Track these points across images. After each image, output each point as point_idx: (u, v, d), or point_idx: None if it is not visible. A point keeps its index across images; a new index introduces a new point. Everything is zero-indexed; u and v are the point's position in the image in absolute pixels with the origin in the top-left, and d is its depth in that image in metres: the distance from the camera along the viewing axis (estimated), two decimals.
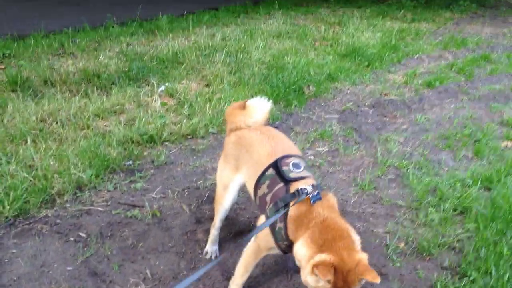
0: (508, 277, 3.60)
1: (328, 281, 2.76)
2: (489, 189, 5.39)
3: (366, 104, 8.13)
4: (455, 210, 4.91)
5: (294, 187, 3.21)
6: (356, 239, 3.02)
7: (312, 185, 3.19)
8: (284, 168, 3.33)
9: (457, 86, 9.33)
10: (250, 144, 3.68)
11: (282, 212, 3.10)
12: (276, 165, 3.38)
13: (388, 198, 5.19)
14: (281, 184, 3.28)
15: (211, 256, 4.15)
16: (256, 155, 3.57)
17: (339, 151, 6.29)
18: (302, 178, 3.28)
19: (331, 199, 3.24)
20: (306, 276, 2.90)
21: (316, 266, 2.77)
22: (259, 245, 3.42)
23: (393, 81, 9.42)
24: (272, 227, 3.24)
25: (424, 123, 7.51)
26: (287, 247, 3.23)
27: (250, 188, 3.60)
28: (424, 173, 5.80)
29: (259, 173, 3.45)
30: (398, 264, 4.10)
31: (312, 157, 6.09)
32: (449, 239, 4.39)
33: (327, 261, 2.78)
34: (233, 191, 3.88)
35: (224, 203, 3.94)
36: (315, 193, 3.11)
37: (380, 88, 8.89)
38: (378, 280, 2.68)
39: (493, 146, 6.63)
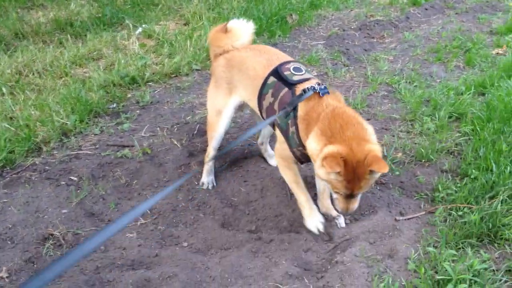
0: (510, 171, 3.53)
1: (338, 173, 2.71)
2: (483, 94, 5.29)
3: (352, 27, 7.90)
4: (450, 117, 4.82)
5: (299, 89, 3.15)
6: (368, 128, 2.96)
7: (318, 83, 3.14)
8: (286, 73, 3.25)
9: (443, 2, 9.11)
10: (242, 63, 3.56)
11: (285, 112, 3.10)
12: (277, 72, 3.29)
13: (382, 113, 5.08)
14: (286, 89, 3.21)
15: (208, 187, 4.06)
16: (251, 71, 3.46)
17: (328, 75, 6.14)
18: (306, 79, 3.22)
19: (339, 95, 3.19)
20: (317, 169, 2.86)
21: (324, 158, 2.70)
22: (280, 156, 3.41)
23: (377, 3, 9.17)
24: (286, 135, 3.21)
25: (413, 40, 7.34)
26: (303, 155, 3.19)
27: (254, 105, 3.50)
28: (416, 86, 5.68)
29: (260, 85, 3.36)
30: (397, 173, 4.03)
31: None
32: (447, 144, 4.31)
33: (336, 152, 2.71)
34: (227, 116, 3.76)
35: (218, 129, 3.82)
36: (323, 86, 3.09)
37: (364, 10, 8.65)
38: (386, 169, 2.61)
39: (484, 54, 6.50)
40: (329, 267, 3.12)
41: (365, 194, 3.62)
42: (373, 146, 2.79)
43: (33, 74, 5.81)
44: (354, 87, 5.76)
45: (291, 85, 3.20)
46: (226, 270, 3.14)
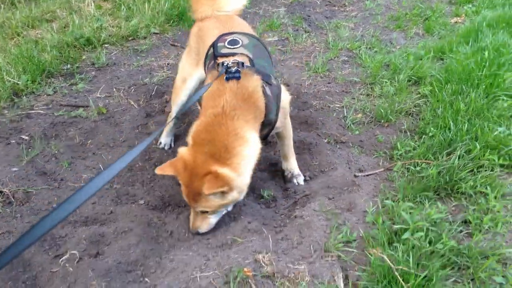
0: (467, 129, 3.57)
1: (174, 175, 2.80)
2: (441, 59, 5.33)
3: None
4: (409, 80, 4.83)
5: (219, 62, 2.94)
6: (241, 152, 2.73)
7: (238, 62, 2.88)
8: (219, 44, 3.08)
9: None
10: (205, 34, 3.42)
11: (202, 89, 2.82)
12: (214, 43, 3.15)
13: (342, 77, 5.06)
14: (212, 61, 3.08)
15: (164, 147, 3.96)
16: (206, 43, 3.31)
17: (290, 40, 6.07)
18: (232, 54, 2.98)
19: (254, 82, 2.86)
20: None
21: (172, 160, 2.81)
22: None
23: None
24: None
25: (374, 8, 7.33)
26: None
27: None
28: (376, 52, 5.68)
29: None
30: (357, 132, 4.03)
31: None
32: (406, 106, 4.33)
33: (178, 159, 2.77)
34: (190, 86, 3.64)
35: (181, 95, 3.69)
36: (234, 69, 2.81)
37: None
38: (206, 191, 2.61)
39: (443, 22, 6.55)
40: (288, 221, 3.10)
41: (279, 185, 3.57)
42: (221, 170, 2.65)
43: None
44: (315, 52, 5.72)
45: (215, 56, 3.05)
46: (183, 226, 3.08)
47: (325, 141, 3.91)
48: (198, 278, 2.57)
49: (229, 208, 2.99)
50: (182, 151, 2.79)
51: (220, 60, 2.96)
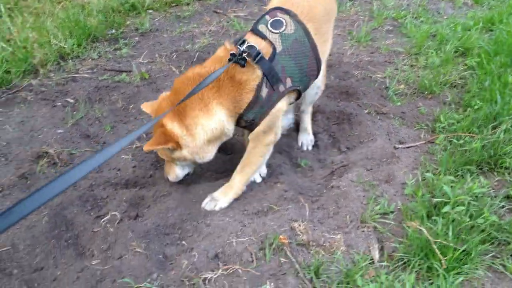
0: None
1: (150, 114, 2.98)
2: (491, 31, 5.13)
3: None
4: (456, 51, 4.69)
5: (247, 39, 2.79)
6: (198, 118, 2.70)
7: (256, 51, 2.69)
8: (265, 18, 2.90)
9: None
10: None
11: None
12: (262, 14, 2.99)
13: (386, 47, 4.95)
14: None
15: None
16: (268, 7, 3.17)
17: None
18: (263, 37, 2.80)
19: (251, 76, 2.71)
20: None
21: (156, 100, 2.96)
22: None
23: None
24: None
25: None
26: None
27: None
28: (422, 22, 5.51)
29: None
30: (399, 103, 3.96)
31: None
32: (451, 77, 4.21)
33: (157, 100, 2.93)
34: None
35: None
36: (241, 57, 2.66)
37: None
38: (145, 147, 2.68)
39: None
40: (324, 191, 3.10)
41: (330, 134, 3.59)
42: (171, 126, 2.72)
43: None
44: (358, 21, 5.61)
45: (251, 31, 2.89)
46: None
47: (366, 111, 3.85)
48: (234, 243, 2.61)
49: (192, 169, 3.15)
50: (162, 94, 2.92)
51: (249, 37, 2.83)
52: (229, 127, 2.82)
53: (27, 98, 4.03)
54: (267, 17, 2.90)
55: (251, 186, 3.13)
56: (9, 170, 3.27)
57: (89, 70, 4.52)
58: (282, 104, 2.88)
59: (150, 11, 5.75)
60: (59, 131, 3.68)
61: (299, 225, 2.70)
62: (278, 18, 2.86)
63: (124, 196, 3.03)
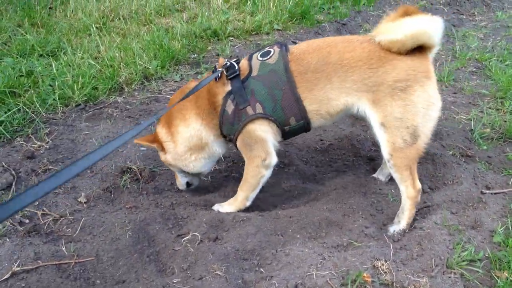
0: None
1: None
2: None
3: (441, 2, 7.56)
4: None
5: (240, 60, 3.12)
6: (177, 127, 3.13)
7: (234, 70, 2.96)
8: (260, 51, 3.10)
9: None
10: None
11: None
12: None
13: (470, 88, 4.83)
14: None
15: None
16: None
17: None
18: (250, 62, 3.03)
19: (219, 90, 3.00)
20: None
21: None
22: None
23: None
24: None
25: (505, 19, 6.93)
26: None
27: None
28: (508, 65, 5.35)
29: None
30: (485, 147, 3.83)
31: None
32: None
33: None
34: None
35: None
36: (218, 71, 2.99)
37: None
38: (135, 139, 3.21)
39: None
40: (407, 231, 3.00)
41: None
42: (160, 130, 3.22)
43: (119, 18, 5.92)
44: (440, 60, 5.51)
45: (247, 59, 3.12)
46: (299, 222, 3.09)
47: (450, 153, 3.75)
48: (314, 276, 2.55)
49: (194, 181, 3.42)
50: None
51: (243, 60, 3.09)
52: (208, 138, 3.13)
53: (113, 114, 4.17)
54: (260, 50, 3.11)
55: (330, 219, 3.08)
56: (94, 183, 3.37)
57: (171, 91, 4.64)
58: (261, 131, 3.01)
59: (231, 38, 5.87)
60: (142, 148, 3.77)
61: (382, 264, 2.62)
62: (269, 49, 3.04)
63: (204, 218, 3.04)
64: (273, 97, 2.92)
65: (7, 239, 2.84)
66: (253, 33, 6.08)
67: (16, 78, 4.41)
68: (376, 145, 3.86)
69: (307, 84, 2.92)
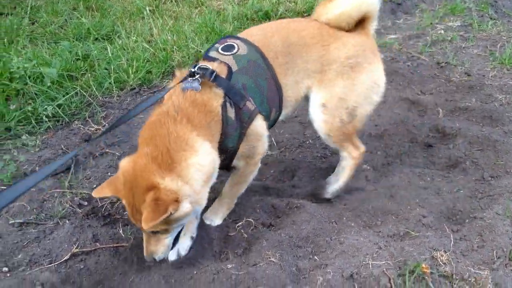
0: None
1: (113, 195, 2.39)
2: None
3: None
4: None
5: (200, 64, 2.60)
6: (186, 159, 2.30)
7: (209, 70, 2.49)
8: (216, 45, 2.71)
9: None
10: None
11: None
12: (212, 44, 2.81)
13: None
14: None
15: None
16: None
17: (473, 26, 5.66)
18: (214, 59, 2.60)
19: (212, 95, 2.47)
20: None
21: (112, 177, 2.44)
22: None
23: None
24: None
25: None
26: None
27: None
28: None
29: None
30: None
31: (442, 31, 5.53)
32: None
33: (118, 173, 2.35)
34: None
35: None
36: (193, 78, 2.45)
37: None
38: (145, 225, 2.12)
39: None
40: (466, 221, 2.90)
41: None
42: (164, 182, 2.21)
43: (171, 1, 5.94)
44: (501, 41, 5.27)
45: (204, 57, 2.70)
46: (354, 210, 3.04)
47: None
48: (370, 265, 2.51)
49: (185, 222, 2.52)
50: (123, 162, 2.37)
51: (201, 62, 2.63)
52: (216, 158, 2.48)
53: None
54: (216, 45, 2.72)
55: (385, 207, 3.03)
56: None
57: None
58: (261, 127, 2.66)
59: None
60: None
61: (442, 255, 2.55)
62: (229, 43, 2.68)
63: (258, 204, 3.04)
64: (260, 89, 2.64)
65: (67, 221, 2.93)
66: (305, 14, 5.97)
67: (73, 61, 4.51)
68: (433, 131, 3.76)
69: (280, 69, 2.72)
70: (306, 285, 2.47)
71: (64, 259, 2.67)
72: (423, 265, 2.46)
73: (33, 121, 3.80)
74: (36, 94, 3.98)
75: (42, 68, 4.14)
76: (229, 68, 2.57)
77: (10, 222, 2.88)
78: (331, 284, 2.44)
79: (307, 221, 2.88)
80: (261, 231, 2.84)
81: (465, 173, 3.36)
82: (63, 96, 4.02)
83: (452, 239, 2.69)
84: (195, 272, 2.56)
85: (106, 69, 4.44)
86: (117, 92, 4.26)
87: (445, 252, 2.57)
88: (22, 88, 4.01)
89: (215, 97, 2.48)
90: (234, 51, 2.63)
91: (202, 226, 2.85)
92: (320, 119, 2.84)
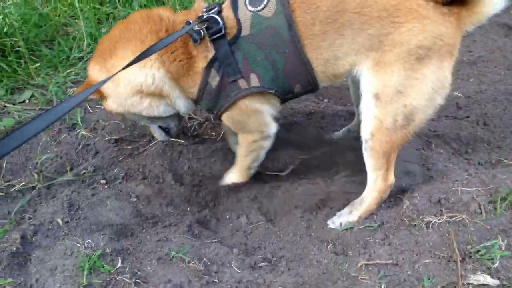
0: None
1: None
2: None
3: None
4: None
5: (216, 8, 2.32)
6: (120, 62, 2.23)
7: (217, 21, 2.25)
8: None
9: None
10: None
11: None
12: None
13: None
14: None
15: None
16: None
17: None
18: (236, 10, 2.29)
19: (201, 55, 2.31)
20: None
21: None
22: None
23: None
24: None
25: None
26: None
27: None
28: None
29: None
30: None
31: None
32: None
33: None
34: None
35: None
36: (197, 28, 2.25)
37: None
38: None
39: None
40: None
41: None
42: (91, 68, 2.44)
43: None
44: None
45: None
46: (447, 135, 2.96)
47: None
48: (459, 191, 2.45)
49: (172, 123, 2.72)
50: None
51: (224, 7, 2.34)
52: (173, 92, 2.43)
53: None
54: None
55: (476, 135, 2.92)
56: None
57: None
58: (256, 104, 2.42)
59: None
60: None
61: None
62: None
63: None
64: (272, 64, 2.30)
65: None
66: None
67: None
68: None
69: (313, 40, 2.26)
70: (392, 208, 2.47)
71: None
72: None
73: None
74: None
75: None
76: (239, 30, 2.27)
77: (106, 138, 3.04)
78: (417, 208, 2.42)
79: None
80: None
81: None
82: None
83: None
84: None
85: None
86: None
87: None
88: None
89: (204, 59, 2.32)
90: (260, 7, 2.25)
91: None
92: (371, 113, 2.30)
